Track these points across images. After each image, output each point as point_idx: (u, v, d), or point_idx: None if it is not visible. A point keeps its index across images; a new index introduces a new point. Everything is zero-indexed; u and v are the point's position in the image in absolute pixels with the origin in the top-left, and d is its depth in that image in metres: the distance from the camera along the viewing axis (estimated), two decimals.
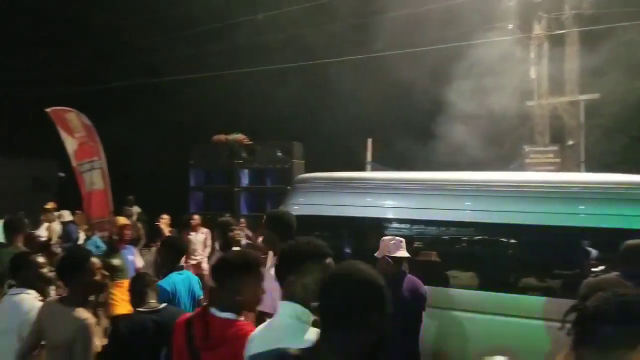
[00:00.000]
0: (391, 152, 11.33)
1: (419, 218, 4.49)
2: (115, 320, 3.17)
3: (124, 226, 6.53)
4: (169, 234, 8.67)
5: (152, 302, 2.97)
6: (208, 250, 8.39)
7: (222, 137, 11.78)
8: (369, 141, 10.43)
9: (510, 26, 10.26)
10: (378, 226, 4.59)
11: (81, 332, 2.68)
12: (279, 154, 11.17)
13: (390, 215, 4.65)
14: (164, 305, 2.99)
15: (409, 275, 3.89)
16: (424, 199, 4.45)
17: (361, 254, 4.55)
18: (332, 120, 14.92)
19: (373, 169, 9.54)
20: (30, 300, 2.98)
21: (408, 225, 4.61)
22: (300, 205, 4.80)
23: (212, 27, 13.53)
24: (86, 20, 16.12)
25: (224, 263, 2.31)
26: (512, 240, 4.26)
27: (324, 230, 4.98)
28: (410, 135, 11.08)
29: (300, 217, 4.44)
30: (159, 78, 14.28)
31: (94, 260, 2.88)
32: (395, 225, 4.62)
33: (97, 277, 2.87)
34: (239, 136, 11.69)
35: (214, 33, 13.98)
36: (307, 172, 11.56)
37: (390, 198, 4.69)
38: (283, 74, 13.20)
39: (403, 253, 3.83)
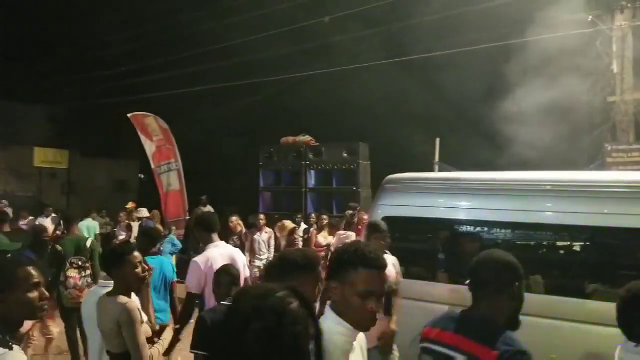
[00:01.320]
0: (459, 152, 11.06)
1: (523, 221, 4.08)
2: (202, 313, 3.29)
3: None
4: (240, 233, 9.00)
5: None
6: (272, 249, 8.53)
7: (289, 138, 12.04)
8: (437, 140, 10.22)
9: (590, 17, 9.66)
10: (474, 229, 4.38)
11: (123, 317, 2.77)
12: (345, 154, 11.23)
13: (488, 218, 4.27)
14: None
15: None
16: (529, 200, 4.07)
17: (454, 257, 4.52)
18: (398, 120, 14.80)
19: (441, 169, 9.35)
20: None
21: (510, 230, 4.25)
22: (389, 206, 4.69)
23: (280, 30, 13.84)
24: (161, 31, 17.04)
25: (283, 260, 2.27)
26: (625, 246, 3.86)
27: (414, 232, 4.95)
28: (481, 135, 10.76)
29: (390, 219, 4.45)
30: (230, 82, 14.82)
31: (136, 254, 2.95)
32: (494, 228, 4.29)
33: (138, 270, 2.93)
34: (306, 137, 11.89)
35: (281, 36, 14.31)
36: (372, 172, 11.58)
37: (489, 199, 4.29)
38: (348, 75, 13.27)
39: None
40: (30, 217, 11.66)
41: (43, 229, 5.72)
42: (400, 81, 13.69)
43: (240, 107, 18.35)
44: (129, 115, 12.17)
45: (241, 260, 4.19)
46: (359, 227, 7.36)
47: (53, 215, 11.21)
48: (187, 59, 16.71)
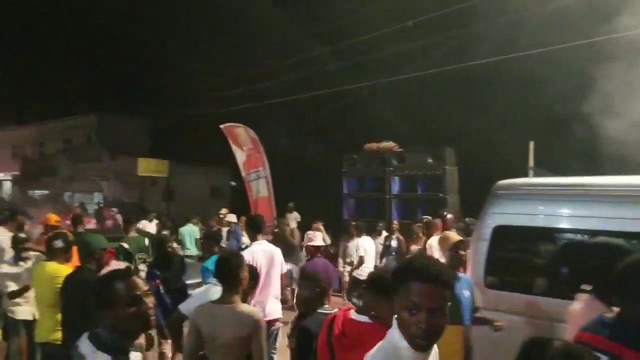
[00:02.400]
0: (554, 156, 10.37)
1: None
2: (301, 319, 3.24)
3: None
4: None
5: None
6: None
7: (373, 145, 12.04)
8: (531, 144, 9.65)
9: None
10: (599, 239, 3.94)
11: (254, 326, 2.86)
12: (430, 160, 11.00)
13: (620, 228, 3.74)
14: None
15: (322, 259, 5.49)
16: None
17: (576, 270, 4.09)
18: (486, 123, 14.19)
19: (536, 175, 8.81)
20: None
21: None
22: (502, 215, 4.37)
23: (360, 38, 13.93)
24: (250, 46, 17.88)
25: (385, 281, 2.20)
26: None
27: (528, 242, 4.55)
28: (577, 137, 10.00)
29: (502, 228, 4.25)
30: (317, 91, 15.15)
31: (244, 262, 3.10)
32: (626, 238, 3.76)
33: (244, 277, 3.04)
34: (390, 144, 11.81)
35: (362, 43, 14.38)
36: (460, 178, 11.22)
37: (620, 207, 3.78)
38: (432, 79, 12.99)
39: (318, 242, 5.48)
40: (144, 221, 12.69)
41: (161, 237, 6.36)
42: (488, 82, 13.14)
43: (324, 115, 18.68)
44: (221, 126, 12.90)
45: (278, 257, 4.94)
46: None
47: (156, 220, 12.13)
48: (274, 70, 17.35)
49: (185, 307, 3.57)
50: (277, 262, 4.86)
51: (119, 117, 27.71)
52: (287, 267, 9.40)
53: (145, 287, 2.00)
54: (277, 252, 4.95)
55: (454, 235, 4.01)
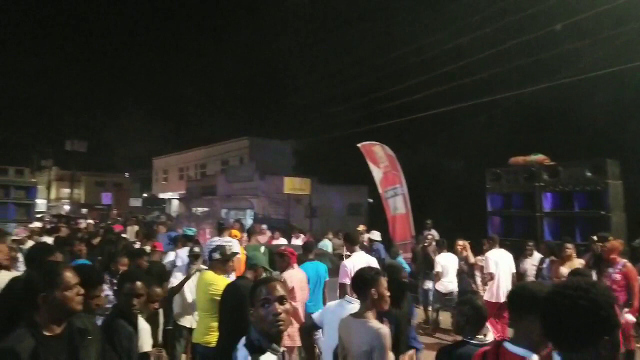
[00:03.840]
0: None
1: None
2: (448, 349, 3.00)
3: None
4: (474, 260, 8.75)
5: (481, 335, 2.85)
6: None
7: (519, 158, 11.20)
8: None
9: None
10: None
11: (377, 341, 2.86)
12: (589, 174, 9.84)
13: None
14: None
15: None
16: None
17: None
18: None
19: None
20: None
21: None
22: None
23: (502, 46, 13.18)
24: (386, 64, 18.09)
25: (526, 294, 2.18)
26: None
27: None
28: None
29: None
30: (453, 105, 14.71)
31: (383, 278, 3.07)
32: None
33: (383, 294, 3.04)
34: (539, 157, 10.87)
35: (504, 53, 13.61)
36: (626, 194, 9.84)
37: None
38: (589, 85, 11.70)
39: None
40: (282, 238, 13.55)
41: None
42: None
43: (463, 129, 17.99)
44: (359, 145, 13.19)
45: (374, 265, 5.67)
46: (612, 257, 6.33)
47: (302, 236, 12.80)
48: (410, 87, 17.29)
49: (317, 316, 3.75)
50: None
51: (267, 139, 30.11)
52: (428, 284, 9.18)
53: (285, 293, 2.18)
54: (373, 261, 5.92)
55: None
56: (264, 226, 14.45)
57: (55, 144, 40.16)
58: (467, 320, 2.88)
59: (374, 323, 2.95)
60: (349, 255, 6.29)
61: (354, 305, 3.30)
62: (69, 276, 2.36)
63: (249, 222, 22.25)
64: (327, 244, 11.51)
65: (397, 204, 12.26)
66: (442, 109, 15.00)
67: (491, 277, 7.67)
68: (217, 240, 4.91)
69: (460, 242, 9.08)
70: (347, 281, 5.21)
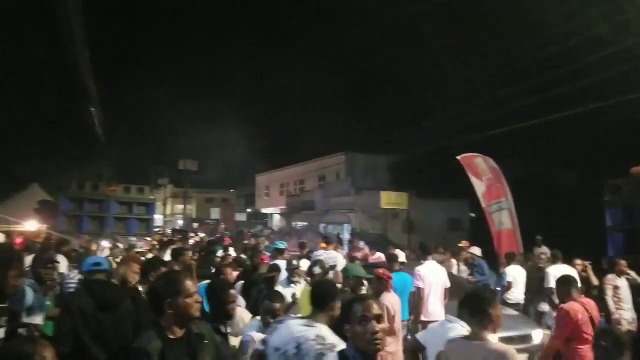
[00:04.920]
0: None
1: None
2: None
3: None
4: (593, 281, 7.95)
5: None
6: None
7: None
8: None
9: None
10: None
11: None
12: None
13: None
14: None
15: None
16: None
17: None
18: None
19: None
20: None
21: None
22: None
23: (620, 46, 12.04)
24: (486, 70, 17.37)
25: None
26: None
27: None
28: None
29: None
30: (560, 113, 13.71)
31: (496, 299, 2.97)
32: None
33: (499, 315, 2.92)
34: None
35: (622, 54, 12.42)
36: None
37: None
38: None
39: None
40: (379, 253, 13.45)
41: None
42: None
43: (575, 137, 16.61)
44: (458, 157, 12.78)
45: (444, 274, 6.87)
46: None
47: (398, 251, 12.60)
48: (511, 95, 16.42)
49: (421, 336, 3.68)
50: (442, 278, 6.76)
51: (362, 154, 30.27)
52: (544, 307, 8.53)
53: (380, 312, 2.21)
54: (441, 270, 6.91)
55: None
56: (362, 243, 14.47)
57: (170, 164, 43.88)
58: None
59: (498, 345, 2.82)
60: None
61: (456, 325, 3.20)
62: (189, 284, 2.58)
63: (346, 236, 22.44)
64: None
65: (503, 219, 11.66)
66: (550, 116, 14.04)
67: (509, 286, 8.40)
68: (322, 254, 5.05)
69: (579, 262, 8.25)
70: (421, 285, 6.49)
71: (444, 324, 3.60)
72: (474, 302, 3.00)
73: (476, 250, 10.31)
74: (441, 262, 8.00)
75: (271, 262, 6.53)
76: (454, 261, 10.80)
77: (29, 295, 4.39)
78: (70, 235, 12.08)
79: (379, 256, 11.19)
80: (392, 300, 5.23)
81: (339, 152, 31.61)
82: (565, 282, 4.39)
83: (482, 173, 12.24)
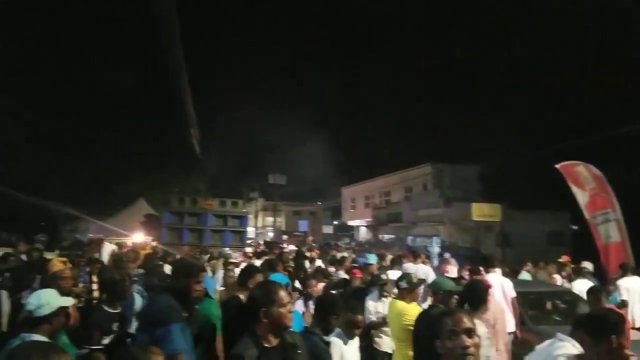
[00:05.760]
0: None
1: None
2: None
3: None
4: None
5: None
6: None
7: None
8: None
9: None
10: None
11: None
12: None
13: None
14: None
15: None
16: None
17: None
18: None
19: None
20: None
21: None
22: None
23: None
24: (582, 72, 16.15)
25: None
26: None
27: None
28: None
29: None
30: None
31: (627, 327, 2.72)
32: None
33: (623, 345, 2.65)
34: None
35: None
36: None
37: None
38: None
39: None
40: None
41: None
42: None
43: None
44: (557, 166, 11.99)
45: (508, 284, 6.80)
46: None
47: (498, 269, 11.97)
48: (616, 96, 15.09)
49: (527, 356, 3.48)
50: (507, 290, 6.73)
51: (450, 164, 29.38)
52: None
53: (471, 325, 2.15)
54: (506, 282, 6.84)
55: None
56: (447, 254, 14.02)
57: (260, 178, 45.64)
58: None
59: None
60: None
61: (567, 344, 2.98)
62: (283, 295, 2.70)
63: (435, 250, 21.82)
64: (526, 276, 10.48)
65: (610, 231, 10.70)
66: None
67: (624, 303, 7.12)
68: (411, 267, 4.99)
69: None
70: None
71: (554, 342, 3.39)
72: (596, 324, 2.75)
73: (587, 266, 9.61)
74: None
75: (375, 274, 6.57)
76: (557, 277, 10.05)
77: (138, 302, 4.78)
78: (173, 247, 13.02)
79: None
80: (493, 309, 5.00)
81: (425, 162, 30.98)
82: None
83: (584, 182, 11.35)
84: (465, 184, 27.75)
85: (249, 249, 13.89)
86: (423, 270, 8.77)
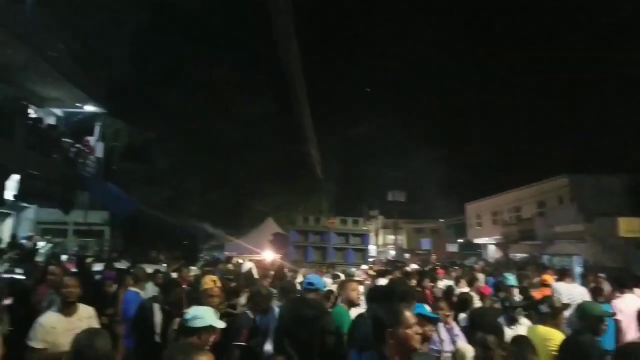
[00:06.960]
0: None
1: None
2: None
3: None
4: None
5: None
6: None
7: None
8: None
9: None
10: None
11: None
12: None
13: None
14: None
15: None
16: None
17: None
18: None
19: None
20: None
21: None
22: None
23: None
24: None
25: None
26: None
27: None
28: None
29: None
30: None
31: None
32: None
33: None
34: None
35: None
36: None
37: None
38: None
39: None
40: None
41: None
42: None
43: None
44: None
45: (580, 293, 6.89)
46: None
47: None
48: None
49: None
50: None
51: (592, 176, 26.49)
52: None
53: None
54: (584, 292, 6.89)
55: None
56: (602, 275, 12.47)
57: (379, 195, 45.65)
58: None
59: None
60: None
61: None
62: (409, 316, 2.68)
63: (577, 270, 19.74)
64: None
65: None
66: None
67: None
68: (562, 287, 4.56)
69: None
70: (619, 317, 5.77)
71: None
72: None
73: None
74: None
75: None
76: None
77: (276, 315, 4.98)
78: (299, 264, 13.57)
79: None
80: None
81: (561, 174, 28.35)
82: None
83: None
84: (609, 196, 24.79)
85: (368, 267, 13.90)
86: (577, 291, 7.50)
